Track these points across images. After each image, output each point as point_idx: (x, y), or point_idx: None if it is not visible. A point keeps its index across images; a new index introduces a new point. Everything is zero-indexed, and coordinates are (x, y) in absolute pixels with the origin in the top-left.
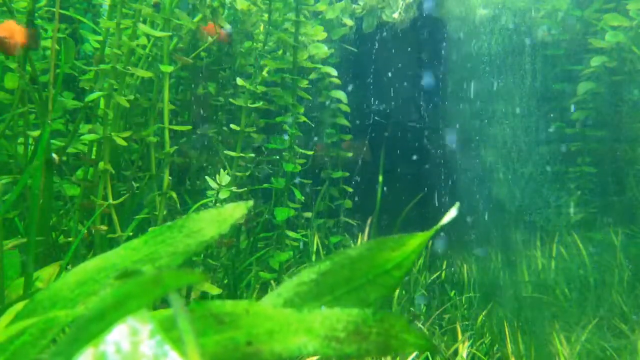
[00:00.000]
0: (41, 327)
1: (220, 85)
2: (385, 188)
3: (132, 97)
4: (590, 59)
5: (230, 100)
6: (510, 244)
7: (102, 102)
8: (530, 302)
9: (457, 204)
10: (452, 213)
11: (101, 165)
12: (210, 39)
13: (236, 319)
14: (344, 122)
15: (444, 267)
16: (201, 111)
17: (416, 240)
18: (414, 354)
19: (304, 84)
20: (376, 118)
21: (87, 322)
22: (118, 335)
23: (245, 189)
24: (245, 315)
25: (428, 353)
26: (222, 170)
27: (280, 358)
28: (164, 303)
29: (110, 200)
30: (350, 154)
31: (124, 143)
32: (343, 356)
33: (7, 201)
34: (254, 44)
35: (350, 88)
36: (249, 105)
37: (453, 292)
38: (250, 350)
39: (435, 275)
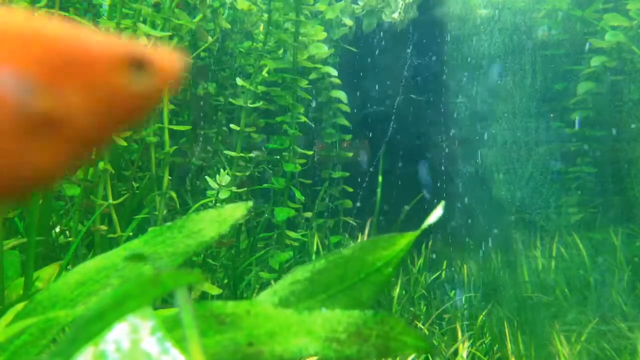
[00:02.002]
0: (41, 327)
1: (220, 85)
2: (383, 188)
3: None
4: (590, 59)
5: (231, 100)
6: (510, 244)
7: None
8: (530, 302)
9: (443, 203)
10: (437, 212)
11: (101, 165)
12: (210, 39)
13: (237, 320)
14: (344, 122)
15: (444, 267)
16: (201, 111)
17: (405, 239)
18: (414, 354)
19: (304, 84)
20: (376, 118)
21: (87, 322)
22: (118, 333)
23: (245, 189)
24: (246, 316)
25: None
26: (222, 170)
27: (281, 359)
28: (165, 303)
29: (110, 200)
30: (350, 154)
31: (124, 143)
32: (343, 358)
33: None
34: (254, 44)
35: (349, 88)
36: (249, 105)
37: (453, 292)
38: (251, 351)
39: (435, 275)
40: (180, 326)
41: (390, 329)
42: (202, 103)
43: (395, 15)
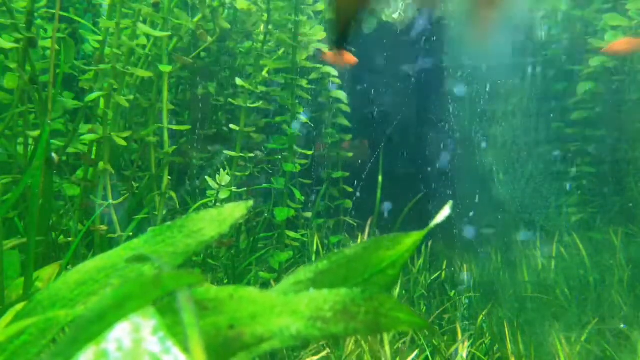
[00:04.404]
0: (41, 327)
1: (220, 85)
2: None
3: (132, 97)
4: (590, 59)
5: (230, 100)
6: (511, 244)
7: (102, 102)
8: (530, 302)
9: (450, 203)
10: (445, 212)
11: (101, 165)
12: (210, 39)
13: (219, 305)
14: (344, 122)
15: (444, 267)
16: (201, 111)
17: (410, 239)
18: (414, 354)
19: (304, 83)
20: (376, 118)
21: (87, 322)
22: (120, 332)
23: (245, 188)
24: (229, 300)
25: (428, 353)
26: (222, 170)
27: (262, 340)
28: None
29: (110, 200)
30: (350, 154)
31: (124, 143)
32: (330, 336)
33: (7, 201)
34: (254, 44)
35: (350, 88)
36: (248, 105)
37: (453, 292)
38: (232, 334)
39: (435, 275)
40: (169, 313)
41: (379, 305)
42: (202, 103)
43: (395, 15)
